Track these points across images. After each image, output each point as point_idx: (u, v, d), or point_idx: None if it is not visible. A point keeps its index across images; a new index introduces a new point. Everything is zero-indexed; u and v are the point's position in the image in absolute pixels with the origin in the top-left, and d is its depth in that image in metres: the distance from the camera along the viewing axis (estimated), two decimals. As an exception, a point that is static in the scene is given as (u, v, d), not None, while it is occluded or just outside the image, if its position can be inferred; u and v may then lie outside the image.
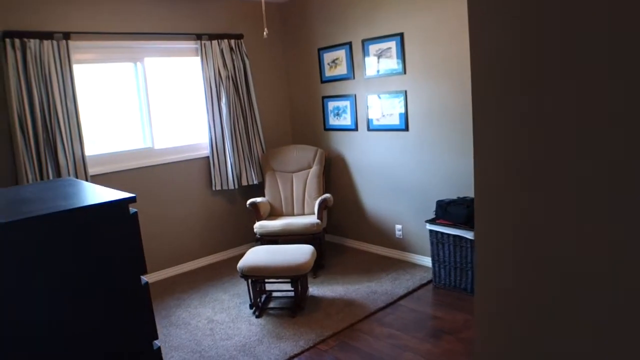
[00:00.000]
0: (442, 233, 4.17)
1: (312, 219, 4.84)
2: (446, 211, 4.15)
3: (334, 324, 3.81)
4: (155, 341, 1.98)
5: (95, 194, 1.95)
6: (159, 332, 3.92)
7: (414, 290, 4.32)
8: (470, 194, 4.31)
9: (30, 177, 4.11)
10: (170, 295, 4.62)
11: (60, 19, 4.34)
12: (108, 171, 4.68)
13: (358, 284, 4.51)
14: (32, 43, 4.07)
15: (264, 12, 3.91)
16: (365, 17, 4.92)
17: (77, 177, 4.37)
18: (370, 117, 5.09)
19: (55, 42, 4.19)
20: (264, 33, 3.73)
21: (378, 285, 4.44)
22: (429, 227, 4.27)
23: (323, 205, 4.92)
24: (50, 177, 4.22)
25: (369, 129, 5.13)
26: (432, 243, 4.29)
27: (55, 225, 1.67)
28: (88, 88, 4.67)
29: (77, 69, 4.46)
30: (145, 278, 1.94)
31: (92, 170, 4.55)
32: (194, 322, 4.04)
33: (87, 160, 4.48)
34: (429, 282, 4.46)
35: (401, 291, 4.29)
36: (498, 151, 1.08)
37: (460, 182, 4.38)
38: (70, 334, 1.73)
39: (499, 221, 1.13)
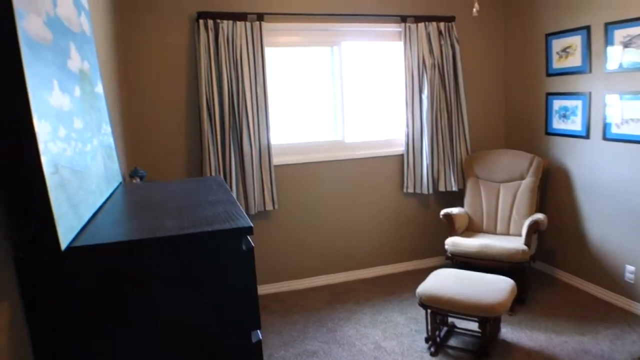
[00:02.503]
0: (703, 292, 3.01)
1: (518, 243, 3.96)
2: None
3: (530, 387, 2.98)
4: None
5: (214, 215, 1.49)
6: (320, 347, 3.50)
7: (647, 360, 3.23)
8: None
9: (212, 162, 3.98)
10: (342, 305, 4.17)
11: (253, 0, 4.12)
12: (293, 162, 4.40)
13: (565, 335, 3.54)
14: (225, 24, 3.89)
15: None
16: (614, -6, 3.84)
17: (260, 166, 4.15)
18: (608, 122, 3.99)
19: (248, 24, 3.97)
20: (474, 10, 3.00)
21: (592, 342, 3.43)
22: (682, 280, 3.13)
23: (534, 227, 4.00)
24: (233, 164, 4.05)
25: (604, 138, 4.04)
26: (683, 302, 3.15)
27: (131, 255, 1.25)
28: (278, 73, 4.41)
29: (267, 52, 4.20)
30: (260, 333, 1.43)
31: (276, 160, 4.29)
32: (359, 344, 3.53)
33: (272, 149, 4.24)
34: (670, 351, 3.32)
35: (622, 358, 3.23)
36: None
37: None
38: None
39: None
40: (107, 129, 2.15)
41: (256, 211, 4.19)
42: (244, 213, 1.46)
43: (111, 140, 2.21)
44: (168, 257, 1.29)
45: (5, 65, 1.12)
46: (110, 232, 1.35)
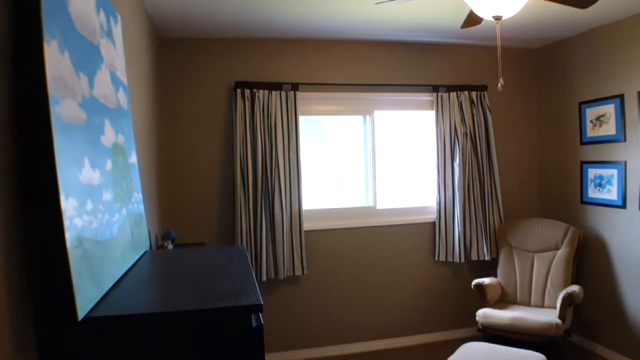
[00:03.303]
0: None
1: (552, 316, 3.84)
2: None
3: None
4: None
5: (229, 289, 1.53)
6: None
7: None
8: None
9: (244, 225, 4.07)
10: (371, 376, 4.09)
11: (289, 70, 4.33)
12: (323, 228, 4.44)
13: (607, 418, 3.36)
14: (261, 93, 4.07)
15: (499, 59, 3.24)
16: (645, 64, 3.85)
17: (291, 231, 4.21)
18: (645, 192, 3.92)
19: (283, 93, 4.14)
20: (499, 84, 3.06)
21: None
22: None
23: (568, 300, 3.88)
24: (264, 229, 4.11)
25: (642, 208, 3.95)
26: None
27: (144, 328, 1.30)
28: (310, 140, 4.54)
29: (301, 119, 4.34)
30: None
31: (306, 225, 4.34)
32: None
33: (303, 215, 4.29)
34: None
35: None
36: None
37: None
38: None
39: None
40: (137, 197, 2.25)
41: (285, 276, 4.21)
42: (257, 289, 1.50)
43: (141, 207, 2.30)
44: (180, 331, 1.33)
45: (36, 147, 1.21)
46: (127, 303, 1.40)
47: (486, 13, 2.57)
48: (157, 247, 3.36)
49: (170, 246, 3.32)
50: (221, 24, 3.83)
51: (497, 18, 2.56)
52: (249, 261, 1.93)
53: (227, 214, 4.24)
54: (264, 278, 4.14)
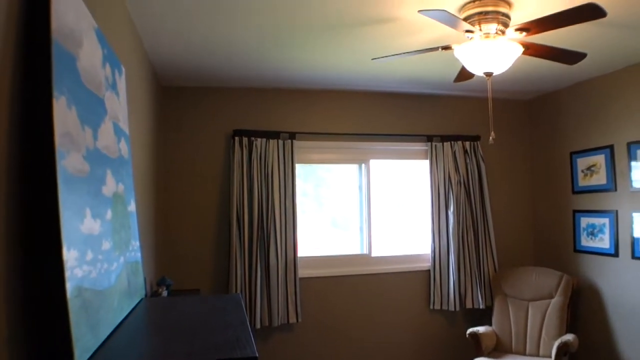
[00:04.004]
0: None
1: (547, 366, 3.82)
2: None
3: None
4: None
5: (224, 340, 1.55)
6: None
7: None
8: None
9: (239, 272, 4.08)
10: None
11: (287, 119, 4.43)
12: (318, 275, 4.45)
13: None
14: (259, 141, 4.16)
15: (490, 114, 3.33)
16: (632, 114, 3.95)
17: (285, 279, 4.21)
18: (636, 240, 3.95)
19: (280, 142, 4.22)
20: (490, 138, 3.14)
21: None
22: None
23: (563, 349, 3.87)
24: (258, 276, 4.12)
25: (633, 257, 3.98)
26: None
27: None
28: (306, 187, 4.61)
29: (297, 167, 4.41)
30: None
31: (301, 272, 4.35)
32: None
33: (298, 262, 4.30)
34: None
35: None
36: None
37: None
38: None
39: None
40: (135, 244, 2.27)
41: (279, 323, 4.19)
42: (253, 340, 1.51)
43: (138, 255, 2.32)
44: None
45: (41, 200, 1.25)
46: (122, 354, 1.42)
47: (477, 69, 2.67)
48: (152, 293, 3.35)
49: (165, 292, 3.32)
50: (221, 73, 3.94)
51: (488, 74, 2.66)
52: (244, 310, 1.94)
53: (222, 260, 4.25)
54: (258, 325, 4.12)
